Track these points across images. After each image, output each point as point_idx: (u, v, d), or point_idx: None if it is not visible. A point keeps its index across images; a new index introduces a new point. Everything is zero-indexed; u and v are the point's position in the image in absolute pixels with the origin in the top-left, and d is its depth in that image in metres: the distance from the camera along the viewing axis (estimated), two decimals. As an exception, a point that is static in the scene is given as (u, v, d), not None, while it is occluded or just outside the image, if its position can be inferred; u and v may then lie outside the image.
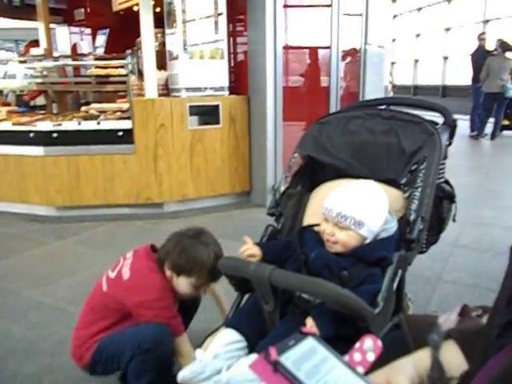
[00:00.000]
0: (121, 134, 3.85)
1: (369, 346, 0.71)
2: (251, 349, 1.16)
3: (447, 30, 14.32)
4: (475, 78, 7.91)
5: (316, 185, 1.56)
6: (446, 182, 1.46)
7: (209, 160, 4.20)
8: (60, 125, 3.90)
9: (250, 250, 1.32)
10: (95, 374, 1.60)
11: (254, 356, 1.07)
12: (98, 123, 3.89)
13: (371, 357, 0.70)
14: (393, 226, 1.24)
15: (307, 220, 1.48)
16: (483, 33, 8.75)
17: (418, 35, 16.05)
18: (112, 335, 1.45)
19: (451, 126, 1.44)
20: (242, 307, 1.31)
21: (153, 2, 4.10)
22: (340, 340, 0.98)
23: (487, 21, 12.49)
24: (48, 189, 3.97)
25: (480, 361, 0.63)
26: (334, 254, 1.23)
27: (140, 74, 4.47)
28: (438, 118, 1.56)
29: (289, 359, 0.63)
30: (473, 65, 8.10)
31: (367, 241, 1.24)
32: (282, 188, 1.53)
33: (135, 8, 5.26)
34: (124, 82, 3.99)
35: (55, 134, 3.87)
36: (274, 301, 1.11)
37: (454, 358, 0.71)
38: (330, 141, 1.53)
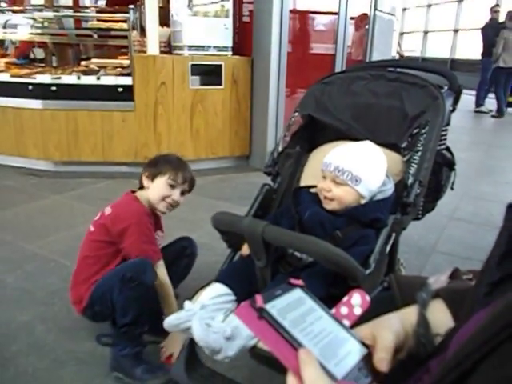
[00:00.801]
0: (121, 90, 3.79)
1: (356, 301, 0.70)
2: (239, 304, 1.16)
3: (460, 1, 13.93)
4: (486, 53, 7.72)
5: (315, 146, 1.54)
6: (447, 149, 1.44)
7: (209, 121, 4.15)
8: (59, 78, 3.83)
9: None
10: (95, 319, 1.67)
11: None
12: (98, 78, 3.82)
13: (358, 311, 0.70)
14: (390, 188, 1.23)
15: (304, 181, 1.46)
16: (496, 5, 8.49)
17: (429, 5, 15.63)
18: (105, 274, 1.56)
19: (456, 92, 1.40)
20: (233, 263, 1.31)
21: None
22: (330, 299, 0.98)
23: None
24: (46, 143, 3.93)
25: (465, 319, 0.63)
26: (328, 214, 1.22)
27: (142, 30, 4.36)
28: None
29: (274, 307, 0.62)
30: (484, 39, 7.88)
31: (364, 200, 1.24)
32: (281, 147, 1.50)
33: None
34: (125, 37, 3.89)
35: (54, 88, 3.80)
36: (266, 257, 1.11)
37: (440, 316, 0.71)
38: (332, 101, 1.50)
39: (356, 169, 1.21)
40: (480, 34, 8.07)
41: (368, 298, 0.71)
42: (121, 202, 1.69)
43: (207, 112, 4.12)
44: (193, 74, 3.98)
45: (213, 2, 4.28)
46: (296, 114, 1.52)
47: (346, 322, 0.68)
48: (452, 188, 1.47)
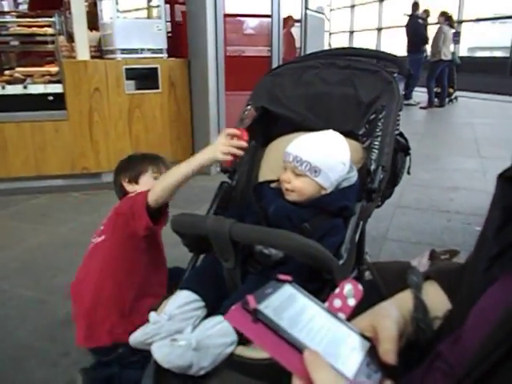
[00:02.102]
0: (51, 98, 3.56)
1: (349, 291, 0.65)
2: (209, 310, 1.09)
3: (381, 1, 14.57)
4: (413, 48, 8.09)
5: (270, 139, 1.49)
6: (400, 134, 1.44)
7: (149, 126, 4.00)
8: (-20, 89, 3.52)
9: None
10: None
11: (218, 317, 1.00)
12: (25, 87, 3.57)
13: (352, 302, 0.65)
14: (354, 176, 1.20)
15: (263, 176, 1.41)
16: (417, 3, 8.97)
17: (352, 6, 16.23)
18: None
19: (406, 76, 1.41)
20: (197, 268, 1.23)
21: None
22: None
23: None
24: (-29, 160, 3.61)
25: (466, 297, 0.60)
26: (294, 206, 1.17)
27: (69, 36, 4.15)
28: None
29: (268, 307, 0.56)
30: (410, 34, 8.29)
31: (325, 191, 1.20)
32: (236, 142, 1.44)
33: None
34: (51, 43, 3.66)
35: (-25, 100, 3.50)
36: (234, 257, 1.04)
37: (436, 298, 0.67)
38: (284, 92, 1.45)
39: (315, 159, 1.17)
40: (404, 30, 8.48)
41: (360, 287, 0.66)
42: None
43: (146, 117, 3.98)
44: (128, 79, 3.82)
45: (149, 6, 4.14)
46: (249, 107, 1.46)
47: (342, 316, 0.63)
48: (408, 173, 1.47)
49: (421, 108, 7.92)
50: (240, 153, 1.27)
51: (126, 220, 1.43)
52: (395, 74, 1.36)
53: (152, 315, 1.02)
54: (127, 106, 3.86)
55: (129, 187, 1.58)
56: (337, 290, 0.66)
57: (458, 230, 2.87)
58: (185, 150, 4.30)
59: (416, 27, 8.13)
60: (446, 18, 7.91)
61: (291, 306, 0.59)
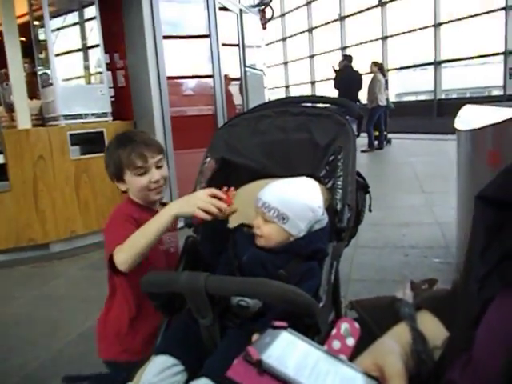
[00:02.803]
0: (-7, 169, 3.41)
1: (346, 330, 0.63)
2: (190, 372, 1.02)
3: (311, 57, 15.51)
4: (349, 97, 8.56)
5: (231, 190, 1.48)
6: (358, 173, 1.48)
7: (97, 190, 3.90)
8: None
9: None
10: None
11: (201, 380, 0.93)
12: (-37, 160, 3.40)
13: (351, 342, 0.63)
14: (325, 218, 1.20)
15: (230, 225, 1.38)
16: (350, 55, 9.62)
17: (285, 63, 17.15)
18: None
19: (357, 118, 1.47)
20: (171, 329, 1.15)
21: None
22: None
23: (345, 47, 13.85)
24: None
25: (464, 322, 0.59)
26: (268, 253, 1.15)
27: (8, 107, 4.06)
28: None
29: (271, 357, 0.53)
30: (339, 84, 8.80)
31: (293, 238, 1.18)
32: (198, 195, 1.41)
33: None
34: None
35: None
36: (211, 313, 0.99)
37: (432, 328, 0.66)
38: (242, 142, 1.47)
39: (283, 206, 1.15)
40: (333, 83, 9.01)
41: (357, 325, 0.64)
42: None
43: (93, 181, 3.88)
44: (73, 144, 3.76)
45: (85, 68, 4.15)
46: (208, 159, 1.45)
47: (343, 357, 0.61)
48: (370, 210, 1.50)
49: (362, 151, 8.29)
50: (218, 214, 1.18)
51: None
52: (347, 117, 1.41)
53: (129, 387, 0.94)
54: (73, 172, 3.76)
55: (120, 186, 1.45)
56: (333, 331, 0.64)
57: (416, 263, 2.93)
58: (137, 211, 4.20)
59: (352, 77, 8.67)
60: (378, 67, 8.56)
61: (293, 353, 0.56)
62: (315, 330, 1.00)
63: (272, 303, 0.99)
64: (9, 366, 2.03)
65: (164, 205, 1.45)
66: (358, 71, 8.89)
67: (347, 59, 9.02)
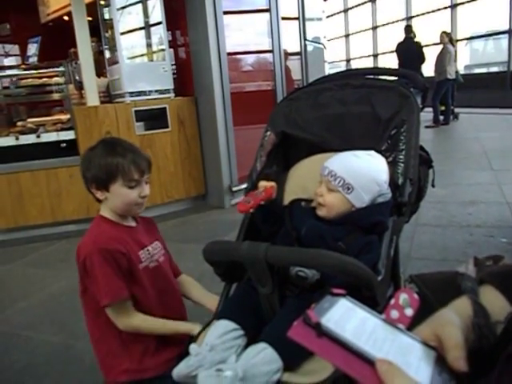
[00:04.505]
0: (64, 145, 3.63)
1: (405, 301, 0.63)
2: (250, 338, 1.06)
3: (374, 28, 14.91)
4: (411, 69, 8.19)
5: (291, 163, 1.49)
6: (421, 147, 1.43)
7: (160, 165, 4.05)
8: (-5, 141, 3.61)
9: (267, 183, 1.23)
10: None
11: (260, 344, 0.97)
12: (38, 136, 3.65)
13: (410, 312, 0.63)
14: (389, 193, 1.19)
15: (287, 200, 1.39)
16: (410, 25, 9.17)
17: (347, 35, 16.61)
18: None
19: (422, 90, 1.42)
20: (233, 296, 1.20)
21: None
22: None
23: (410, 17, 13.16)
24: (-12, 212, 3.65)
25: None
26: (327, 225, 1.16)
27: (78, 84, 4.26)
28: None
29: (330, 321, 0.54)
30: (401, 57, 8.44)
31: (355, 209, 1.18)
32: (259, 168, 1.44)
33: (65, 17, 5.02)
34: (61, 91, 3.76)
35: (-9, 152, 3.58)
36: (271, 282, 1.02)
37: (494, 302, 0.65)
38: (302, 116, 1.46)
39: (349, 176, 1.16)
40: (396, 54, 8.64)
41: (416, 296, 0.64)
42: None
43: (157, 156, 4.02)
44: (137, 120, 3.90)
45: (149, 45, 4.25)
46: (268, 132, 1.47)
47: (402, 326, 0.61)
48: (433, 185, 1.46)
49: (427, 127, 7.94)
50: None
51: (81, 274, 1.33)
52: (411, 89, 1.36)
53: (193, 347, 1.00)
54: (138, 147, 3.90)
55: (98, 194, 1.35)
56: (392, 301, 0.64)
57: (481, 243, 2.82)
58: (197, 186, 4.33)
59: (410, 49, 8.28)
60: (449, 37, 8.04)
61: (351, 319, 0.57)
62: (373, 303, 1.00)
63: (330, 274, 1.00)
64: (81, 327, 2.19)
65: (134, 219, 1.44)
66: (418, 43, 8.45)
67: (407, 30, 8.58)
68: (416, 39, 8.59)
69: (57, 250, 3.43)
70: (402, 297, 0.64)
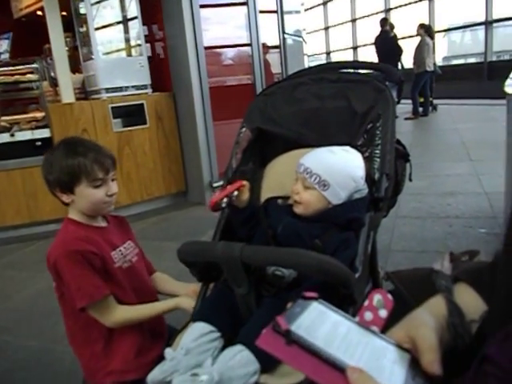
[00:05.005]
0: (39, 144, 3.54)
1: (379, 302, 0.62)
2: (226, 340, 1.04)
3: (353, 21, 14.94)
4: (388, 62, 8.25)
5: (267, 160, 1.47)
6: (397, 141, 1.43)
7: (139, 162, 3.99)
8: (-33, 141, 3.50)
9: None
10: None
11: (237, 346, 0.95)
12: (12, 135, 3.56)
13: (384, 313, 0.61)
14: (365, 189, 1.18)
15: (264, 196, 1.37)
16: (386, 19, 9.24)
17: (326, 28, 16.61)
18: None
19: (397, 83, 1.41)
20: (209, 297, 1.18)
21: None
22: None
23: (389, 9, 13.22)
24: (-39, 213, 3.56)
25: (506, 294, 0.57)
26: (304, 222, 1.14)
27: (52, 81, 4.17)
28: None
29: (301, 327, 0.52)
30: (380, 50, 8.50)
31: (331, 206, 1.17)
32: (234, 165, 1.41)
33: (39, 13, 4.89)
34: (35, 88, 3.67)
35: (-37, 152, 3.48)
36: (247, 282, 1.00)
37: (469, 301, 0.64)
38: (277, 111, 1.44)
39: (324, 173, 1.15)
40: (374, 48, 8.70)
41: (390, 296, 0.63)
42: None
43: (135, 153, 3.97)
44: (115, 117, 3.83)
45: (124, 40, 4.18)
46: (243, 129, 1.44)
47: (375, 328, 0.60)
48: (410, 179, 1.45)
49: (406, 119, 8.01)
50: None
51: (55, 276, 1.29)
52: (387, 83, 1.35)
53: (167, 351, 0.97)
54: (116, 144, 3.85)
55: (63, 198, 1.29)
56: (366, 302, 0.63)
57: (460, 234, 2.85)
58: (177, 182, 4.29)
59: (386, 42, 8.34)
60: (425, 29, 8.08)
61: (323, 324, 0.56)
62: (350, 301, 0.99)
63: (307, 273, 0.99)
64: (59, 330, 2.15)
65: (104, 217, 1.40)
66: (393, 36, 8.52)
67: (382, 23, 8.65)
68: (394, 31, 8.65)
69: (34, 251, 3.35)
70: (376, 298, 0.63)
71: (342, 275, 0.93)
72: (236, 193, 1.22)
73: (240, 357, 0.93)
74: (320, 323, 0.56)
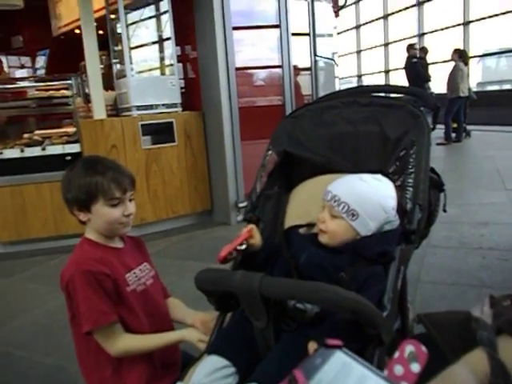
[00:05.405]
0: (69, 158, 3.59)
1: (411, 354, 0.55)
2: (241, 375, 0.98)
3: (386, 45, 14.90)
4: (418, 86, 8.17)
5: (293, 184, 1.41)
6: (432, 169, 1.35)
7: (166, 180, 4.00)
8: (1, 153, 3.59)
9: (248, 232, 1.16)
10: None
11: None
12: (43, 149, 3.63)
13: (416, 368, 0.54)
14: (397, 220, 1.11)
15: (289, 223, 1.32)
16: (412, 44, 9.20)
17: (359, 51, 16.61)
18: None
19: (433, 109, 1.34)
20: (225, 328, 1.12)
21: (95, 24, 3.92)
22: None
23: (422, 34, 13.12)
24: (-9, 224, 3.62)
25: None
26: (329, 253, 1.08)
27: (86, 98, 4.26)
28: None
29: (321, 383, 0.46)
30: (410, 75, 8.43)
31: (359, 237, 1.10)
32: (258, 189, 1.37)
33: (77, 31, 5.04)
34: (68, 104, 3.74)
35: (-4, 164, 3.56)
36: (266, 315, 0.94)
37: None
38: (305, 135, 1.39)
39: (354, 202, 1.08)
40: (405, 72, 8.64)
41: (424, 349, 0.56)
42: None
43: (163, 171, 3.98)
44: (144, 134, 3.86)
45: (157, 59, 4.24)
46: (269, 151, 1.40)
47: (406, 386, 0.53)
48: (444, 210, 1.37)
49: (438, 144, 7.83)
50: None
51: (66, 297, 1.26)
52: (421, 108, 1.29)
53: (178, 386, 0.92)
54: (144, 161, 3.87)
55: (80, 216, 1.28)
56: (396, 354, 0.56)
57: (494, 267, 2.70)
58: (203, 201, 4.27)
59: (412, 68, 8.29)
60: (459, 55, 7.95)
61: (346, 379, 0.49)
62: (378, 341, 0.92)
63: (330, 310, 0.92)
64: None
65: (121, 238, 1.37)
66: (419, 61, 8.48)
67: (408, 49, 8.62)
68: (424, 56, 8.60)
69: (58, 265, 3.34)
70: (408, 349, 0.56)
71: (369, 315, 0.86)
72: (244, 246, 1.15)
73: (255, 397, 0.87)
74: (344, 377, 0.49)
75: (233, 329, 1.08)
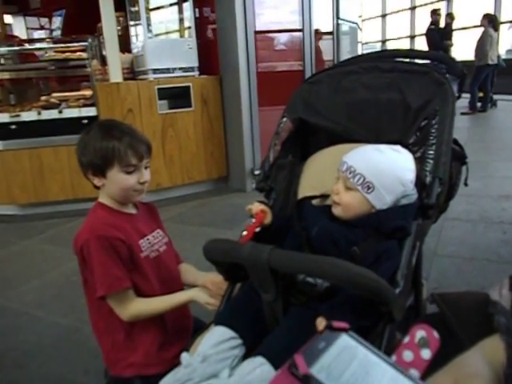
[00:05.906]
0: (85, 121, 3.57)
1: (422, 340, 0.52)
2: (248, 347, 0.96)
3: (412, 8, 14.30)
4: None
5: (308, 153, 1.37)
6: (455, 141, 1.28)
7: (182, 145, 3.97)
8: (18, 116, 3.60)
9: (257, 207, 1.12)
10: None
11: (257, 358, 0.87)
12: (60, 112, 3.61)
13: (427, 354, 0.51)
14: (415, 194, 1.06)
15: (302, 193, 1.28)
16: (438, 9, 8.80)
17: (383, 15, 16.01)
18: None
19: (459, 77, 1.26)
20: (234, 299, 1.11)
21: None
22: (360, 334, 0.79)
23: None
24: (10, 186, 3.67)
25: None
26: (342, 226, 1.04)
27: (102, 59, 4.19)
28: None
29: (323, 370, 0.43)
30: (430, 42, 8.17)
31: (374, 210, 1.06)
32: (271, 158, 1.32)
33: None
34: (85, 67, 3.69)
35: (13, 126, 3.57)
36: (275, 288, 0.92)
37: None
38: (323, 102, 1.33)
39: (370, 174, 1.03)
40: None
41: (436, 334, 0.52)
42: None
43: (179, 136, 3.94)
44: (160, 99, 3.81)
45: (174, 21, 4.13)
46: (284, 119, 1.34)
47: (415, 372, 0.50)
48: (466, 184, 1.31)
49: (462, 114, 7.59)
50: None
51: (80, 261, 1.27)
52: (447, 75, 1.21)
53: (184, 356, 0.91)
54: (160, 126, 3.84)
55: (95, 181, 1.27)
56: (406, 339, 0.53)
57: (515, 243, 2.63)
58: (219, 167, 4.24)
59: (429, 35, 7.99)
60: (489, 20, 7.56)
61: (351, 364, 0.46)
62: (389, 318, 0.89)
63: (340, 286, 0.89)
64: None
65: (135, 205, 1.35)
66: (442, 28, 8.21)
67: (432, 13, 8.29)
68: (453, 22, 8.26)
69: (75, 228, 3.35)
70: (419, 334, 0.53)
71: (380, 291, 0.83)
72: (259, 228, 1.11)
73: (260, 371, 0.85)
74: (347, 363, 0.46)
75: (241, 300, 1.07)
